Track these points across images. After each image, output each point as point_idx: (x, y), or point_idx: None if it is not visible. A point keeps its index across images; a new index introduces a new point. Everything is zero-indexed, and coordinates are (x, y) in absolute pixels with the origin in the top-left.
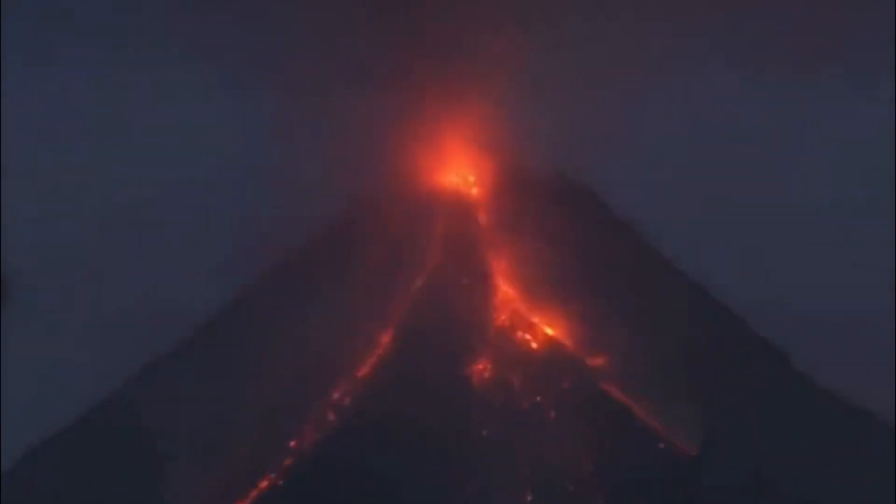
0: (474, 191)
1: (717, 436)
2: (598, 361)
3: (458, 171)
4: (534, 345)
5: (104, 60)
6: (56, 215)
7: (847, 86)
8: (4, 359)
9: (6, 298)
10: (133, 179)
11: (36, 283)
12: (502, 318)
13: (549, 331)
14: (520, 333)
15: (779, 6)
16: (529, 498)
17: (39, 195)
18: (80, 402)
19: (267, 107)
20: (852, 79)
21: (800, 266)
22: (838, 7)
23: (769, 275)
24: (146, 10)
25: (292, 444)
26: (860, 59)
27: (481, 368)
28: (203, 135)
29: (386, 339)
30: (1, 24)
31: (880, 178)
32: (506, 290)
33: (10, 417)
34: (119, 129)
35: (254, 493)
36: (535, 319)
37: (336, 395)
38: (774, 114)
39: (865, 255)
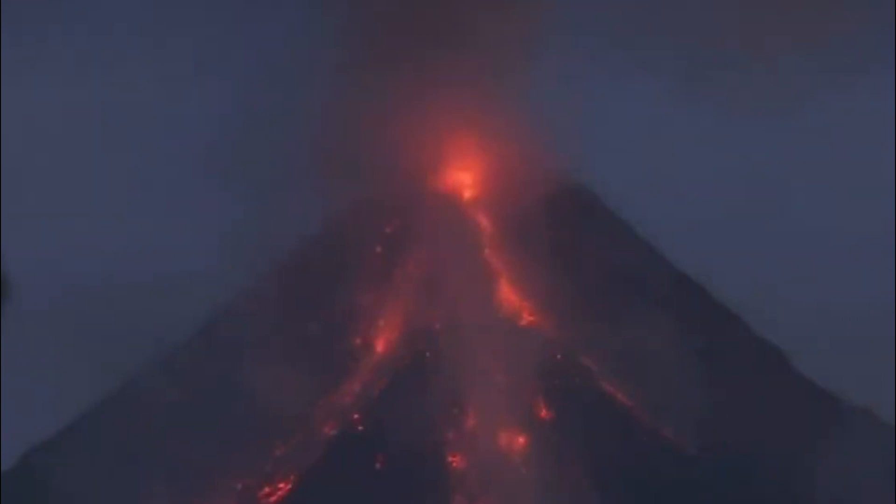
0: (473, 191)
1: (717, 436)
2: (597, 361)
3: (458, 171)
4: (533, 345)
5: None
6: (56, 216)
7: (847, 87)
8: (4, 359)
9: (6, 298)
10: (131, 181)
11: (37, 283)
12: (503, 318)
13: (549, 331)
14: (519, 333)
15: (781, 7)
16: (529, 498)
17: (40, 195)
18: (79, 403)
19: (259, 105)
20: (853, 80)
21: (800, 266)
22: (840, 9)
23: (769, 275)
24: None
25: (284, 450)
26: (862, 57)
27: (481, 369)
28: (199, 134)
29: (385, 342)
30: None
31: (880, 179)
32: (506, 290)
33: (10, 417)
34: (118, 130)
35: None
36: (535, 320)
37: (331, 404)
38: (775, 114)
39: (865, 254)
